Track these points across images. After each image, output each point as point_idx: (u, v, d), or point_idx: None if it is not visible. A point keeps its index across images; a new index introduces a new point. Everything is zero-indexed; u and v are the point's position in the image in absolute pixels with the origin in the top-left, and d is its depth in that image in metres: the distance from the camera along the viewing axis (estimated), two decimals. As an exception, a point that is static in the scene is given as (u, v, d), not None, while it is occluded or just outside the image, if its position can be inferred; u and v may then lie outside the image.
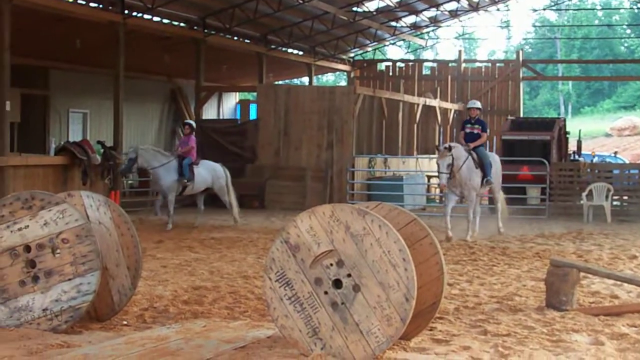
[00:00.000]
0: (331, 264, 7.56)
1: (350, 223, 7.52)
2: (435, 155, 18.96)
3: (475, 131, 18.91)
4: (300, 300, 7.62)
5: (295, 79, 43.31)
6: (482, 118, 19.73)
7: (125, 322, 9.38)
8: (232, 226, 20.38)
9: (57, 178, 21.17)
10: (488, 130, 19.64)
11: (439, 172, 17.96)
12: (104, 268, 8.93)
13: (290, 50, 35.01)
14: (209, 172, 20.71)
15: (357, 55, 40.92)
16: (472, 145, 18.56)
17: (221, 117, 36.29)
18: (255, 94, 30.86)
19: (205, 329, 8.99)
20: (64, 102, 28.69)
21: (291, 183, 26.15)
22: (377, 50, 41.37)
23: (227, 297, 10.87)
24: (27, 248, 8.70)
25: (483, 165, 18.51)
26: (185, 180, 19.89)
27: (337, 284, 7.54)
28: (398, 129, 31.97)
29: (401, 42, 42.29)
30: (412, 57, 46.31)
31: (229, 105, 38.06)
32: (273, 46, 33.06)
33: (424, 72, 40.89)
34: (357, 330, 7.45)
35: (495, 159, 19.74)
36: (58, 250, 8.63)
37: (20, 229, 8.71)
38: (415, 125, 33.67)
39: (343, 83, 61.79)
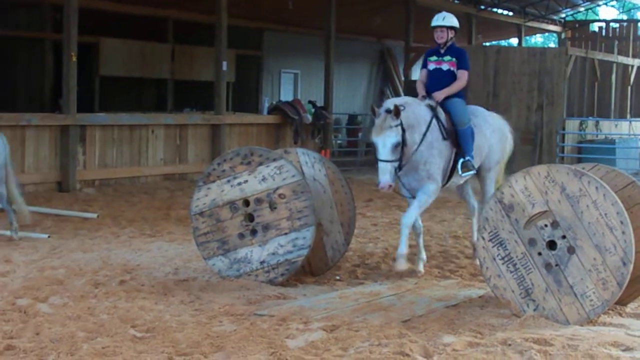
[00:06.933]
0: (545, 225, 7.50)
1: (566, 184, 7.42)
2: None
3: (446, 67, 10.26)
4: (513, 261, 7.60)
5: (502, 40, 42.63)
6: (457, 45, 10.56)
7: (338, 277, 9.59)
8: (9, 239, 11.50)
9: (270, 136, 21.75)
10: (469, 67, 10.44)
11: (377, 159, 9.21)
12: (318, 224, 9.14)
13: (499, 11, 34.49)
14: None
15: (568, 15, 39.87)
16: (439, 95, 10.04)
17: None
18: (464, 55, 30.52)
19: (417, 286, 9.10)
20: (276, 63, 29.35)
21: (499, 145, 25.86)
22: (589, 11, 40.17)
23: (438, 256, 10.94)
24: (246, 202, 9.02)
25: (459, 135, 9.98)
26: None
27: (552, 245, 7.48)
28: (610, 91, 31.02)
29: (614, 2, 40.91)
30: (625, 17, 44.72)
31: (437, 66, 37.86)
32: (482, 7, 32.66)
33: (639, 33, 39.43)
34: (571, 293, 7.37)
35: (488, 122, 10.67)
36: (275, 205, 8.90)
37: (239, 184, 9.04)
38: (629, 88, 32.58)
39: (551, 45, 60.47)
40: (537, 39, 58.71)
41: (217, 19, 19.98)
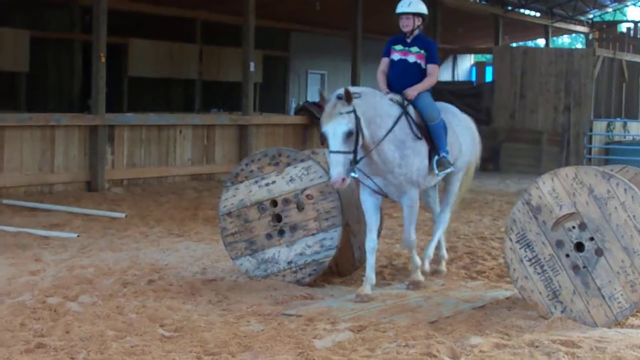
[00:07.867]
0: (573, 227, 7.50)
1: (594, 186, 7.42)
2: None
3: (412, 59, 9.26)
4: (540, 262, 7.60)
5: (529, 41, 42.50)
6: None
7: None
8: None
9: (297, 137, 21.78)
10: (439, 61, 9.51)
11: (329, 151, 8.21)
12: (345, 224, 9.17)
13: (526, 12, 34.40)
14: None
15: (595, 16, 39.69)
16: (412, 92, 9.02)
17: (455, 79, 36.17)
18: (490, 56, 30.53)
19: (444, 287, 9.12)
20: (302, 63, 29.45)
21: (526, 146, 25.82)
22: (617, 11, 39.96)
23: (465, 258, 10.94)
24: (274, 203, 9.06)
25: (430, 131, 9.00)
26: None
27: (579, 247, 7.48)
28: (639, 92, 30.88)
29: (644, 2, 40.70)
30: (655, 17, 44.50)
31: (463, 67, 37.86)
32: (509, 8, 32.59)
33: (667, 34, 39.20)
34: (598, 295, 7.37)
35: (459, 118, 9.93)
36: (303, 206, 8.93)
37: (267, 184, 9.09)
38: (658, 89, 32.43)
39: (578, 45, 60.26)
40: (564, 40, 58.49)
41: (244, 20, 20.04)
